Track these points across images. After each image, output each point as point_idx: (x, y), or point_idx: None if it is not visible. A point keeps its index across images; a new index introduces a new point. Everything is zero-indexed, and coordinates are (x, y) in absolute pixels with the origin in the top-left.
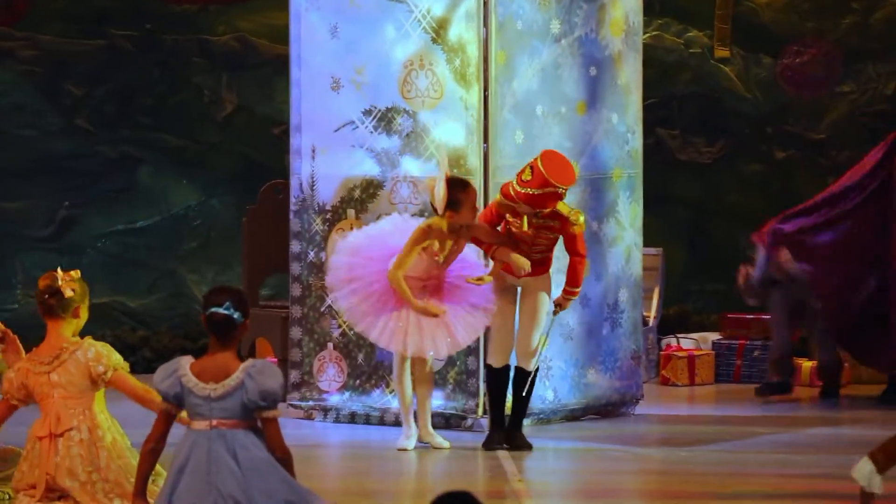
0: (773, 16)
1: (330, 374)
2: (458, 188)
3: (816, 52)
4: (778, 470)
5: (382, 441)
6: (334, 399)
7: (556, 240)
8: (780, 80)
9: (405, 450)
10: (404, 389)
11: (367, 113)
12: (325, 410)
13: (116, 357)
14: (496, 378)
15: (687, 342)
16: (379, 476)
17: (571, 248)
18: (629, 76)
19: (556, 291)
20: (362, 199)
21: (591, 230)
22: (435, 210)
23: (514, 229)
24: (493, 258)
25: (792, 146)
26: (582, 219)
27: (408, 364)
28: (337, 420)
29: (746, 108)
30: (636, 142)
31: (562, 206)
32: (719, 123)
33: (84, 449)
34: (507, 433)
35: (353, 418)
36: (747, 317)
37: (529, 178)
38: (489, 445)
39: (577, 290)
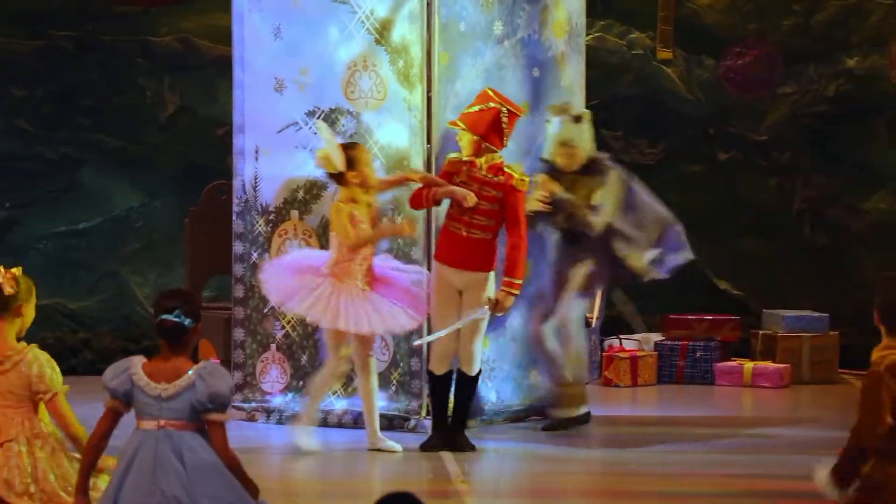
0: (715, 17)
1: (273, 375)
2: (348, 148)
3: (758, 53)
4: (720, 470)
5: (326, 443)
6: (277, 400)
7: (497, 210)
8: (722, 81)
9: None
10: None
11: (311, 114)
12: (268, 412)
13: (58, 379)
14: (438, 384)
15: (629, 343)
16: (322, 477)
17: (511, 218)
18: (572, 77)
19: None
20: (306, 200)
21: (535, 231)
22: (335, 179)
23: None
24: (434, 201)
25: (734, 147)
26: (528, 181)
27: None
28: (280, 421)
29: (689, 110)
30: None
31: (509, 167)
32: (662, 125)
33: (22, 460)
34: (448, 435)
35: (295, 420)
36: (689, 317)
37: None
38: (427, 446)
39: (518, 282)
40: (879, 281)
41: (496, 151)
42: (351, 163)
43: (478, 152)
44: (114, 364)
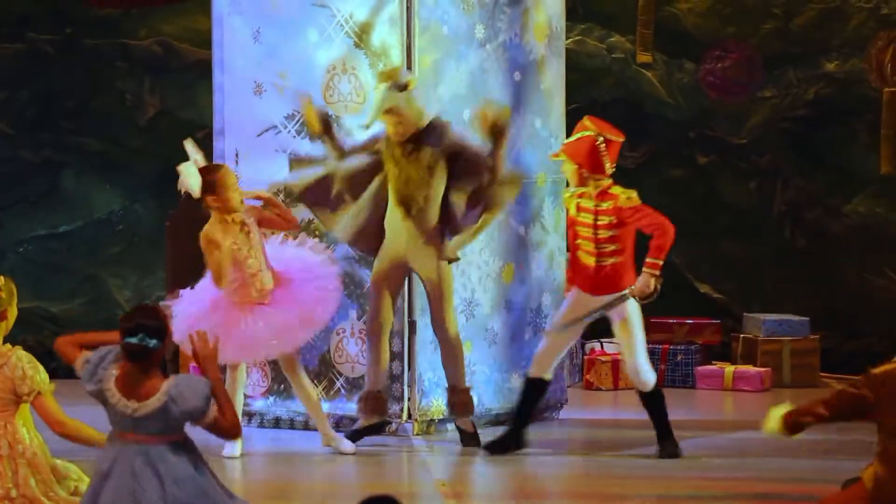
0: (695, 21)
1: (254, 379)
2: (209, 171)
3: (738, 57)
4: (702, 473)
5: (307, 445)
6: (258, 404)
7: (617, 235)
8: (702, 85)
9: (233, 457)
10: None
11: (290, 117)
12: (250, 415)
13: (42, 377)
14: (531, 387)
15: (611, 346)
16: (304, 480)
17: (636, 228)
18: (552, 81)
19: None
20: (286, 203)
21: (518, 234)
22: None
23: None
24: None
25: (714, 151)
26: (634, 197)
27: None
28: (261, 425)
29: (669, 114)
30: (559, 147)
31: (614, 189)
32: (642, 128)
33: (2, 464)
34: (521, 437)
35: (277, 423)
36: (670, 321)
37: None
38: (494, 446)
39: (656, 261)
40: None
41: (601, 178)
42: (211, 186)
43: (582, 181)
44: (93, 360)
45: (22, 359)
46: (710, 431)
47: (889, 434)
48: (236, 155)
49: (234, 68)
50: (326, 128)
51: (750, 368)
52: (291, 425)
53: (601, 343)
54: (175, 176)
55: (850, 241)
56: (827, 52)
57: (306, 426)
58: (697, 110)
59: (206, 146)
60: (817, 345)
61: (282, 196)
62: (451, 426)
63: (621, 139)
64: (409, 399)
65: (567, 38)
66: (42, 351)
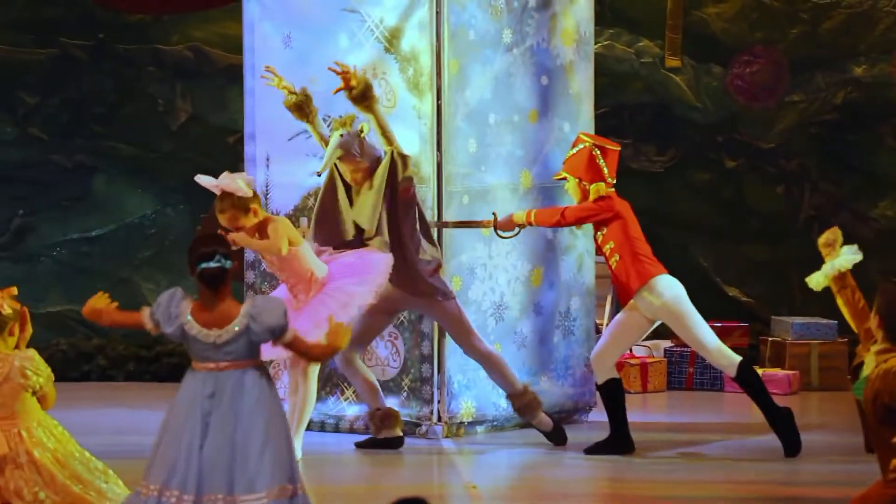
0: (723, 26)
1: (285, 381)
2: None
3: (765, 61)
4: (729, 475)
5: (338, 448)
6: (289, 406)
7: (607, 234)
8: (730, 89)
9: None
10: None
11: (321, 121)
12: None
13: (43, 375)
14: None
15: (639, 350)
16: (335, 482)
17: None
18: (581, 85)
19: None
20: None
21: (546, 238)
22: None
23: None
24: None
25: (741, 155)
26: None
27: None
28: None
29: (697, 117)
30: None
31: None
32: (670, 132)
33: (25, 472)
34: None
35: (308, 425)
36: None
37: None
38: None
39: (522, 216)
40: (881, 288)
41: (605, 187)
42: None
43: (585, 194)
44: (163, 301)
45: (25, 360)
46: (738, 434)
47: None
48: (267, 159)
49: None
50: (302, 111)
51: (778, 371)
52: (322, 427)
53: (630, 347)
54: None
55: (878, 245)
56: (854, 56)
57: (337, 429)
58: (725, 114)
59: (237, 151)
60: (845, 348)
61: (312, 199)
62: (480, 428)
63: (617, 148)
64: (438, 402)
65: (596, 43)
66: (75, 354)
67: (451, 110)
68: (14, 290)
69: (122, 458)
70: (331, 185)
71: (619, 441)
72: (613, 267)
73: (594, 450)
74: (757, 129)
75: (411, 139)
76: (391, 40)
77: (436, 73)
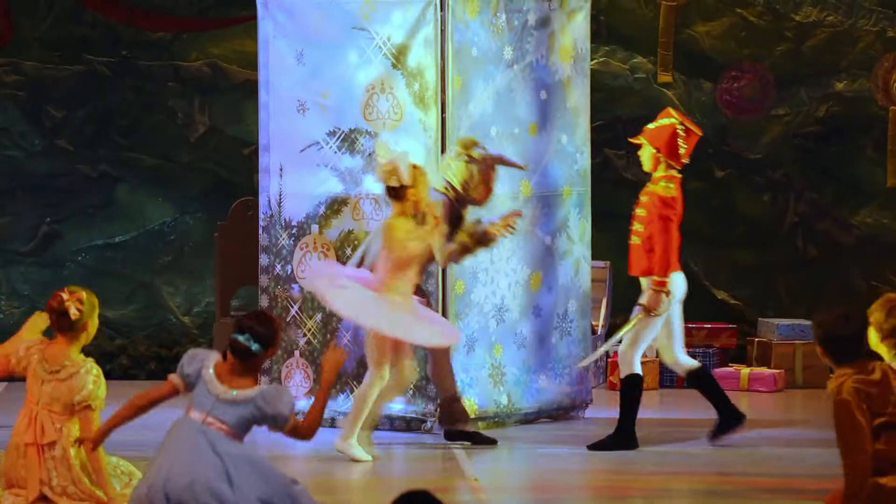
0: (713, 43)
1: (297, 379)
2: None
3: (753, 77)
4: (719, 468)
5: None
6: (301, 403)
7: (647, 218)
8: (719, 103)
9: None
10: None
11: (332, 134)
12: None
13: (99, 394)
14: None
15: None
16: (344, 476)
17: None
18: (578, 99)
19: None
20: (326, 215)
21: (545, 244)
22: (393, 193)
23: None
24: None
25: (730, 165)
26: (673, 186)
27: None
28: None
29: None
30: (585, 161)
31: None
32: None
33: (56, 464)
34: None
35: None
36: (689, 326)
37: None
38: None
39: (659, 279)
40: (816, 315)
41: (674, 168)
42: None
43: (656, 165)
44: (194, 350)
45: (91, 371)
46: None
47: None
48: (280, 169)
49: (279, 88)
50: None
51: (764, 370)
52: (332, 424)
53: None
54: (224, 189)
55: (858, 251)
56: (836, 72)
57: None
58: (715, 127)
59: (252, 161)
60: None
61: (323, 208)
62: (481, 424)
63: (700, 133)
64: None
65: (592, 60)
66: (99, 354)
67: (455, 123)
68: (82, 293)
69: (145, 453)
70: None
71: (623, 438)
72: (633, 242)
73: (598, 446)
74: (744, 141)
75: (417, 150)
76: (398, 57)
77: (440, 87)
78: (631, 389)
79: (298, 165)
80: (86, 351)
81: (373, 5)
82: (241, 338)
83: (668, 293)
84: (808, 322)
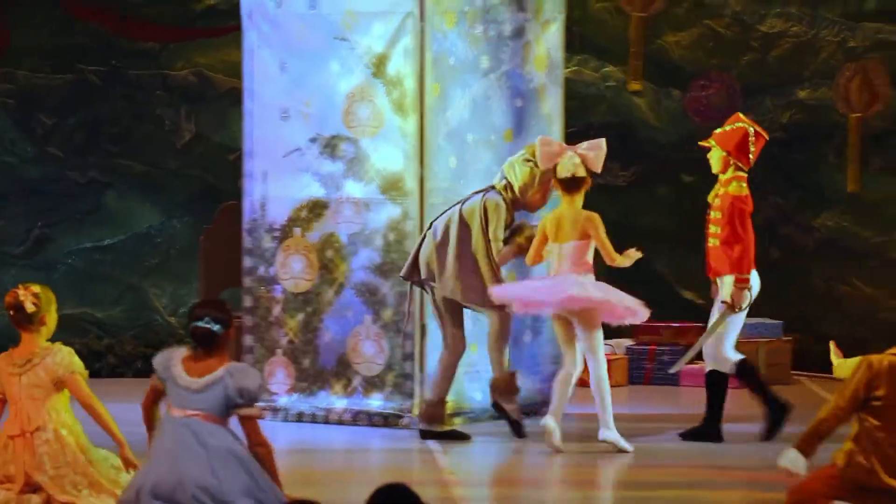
0: (682, 53)
1: (279, 377)
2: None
3: (720, 85)
4: (686, 461)
5: (326, 439)
6: (283, 400)
7: (723, 220)
8: (688, 110)
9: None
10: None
11: (314, 140)
12: (275, 410)
13: (78, 363)
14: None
15: (604, 347)
16: (324, 470)
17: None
18: (552, 107)
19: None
20: (308, 218)
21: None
22: (573, 185)
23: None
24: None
25: (698, 170)
26: (743, 185)
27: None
28: (286, 419)
29: (657, 137)
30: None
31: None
32: (633, 150)
33: (50, 447)
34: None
35: (300, 418)
36: (657, 324)
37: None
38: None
39: (742, 276)
40: None
41: (743, 169)
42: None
43: (725, 167)
44: (164, 350)
45: (62, 349)
46: (693, 424)
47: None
48: (264, 174)
49: (263, 96)
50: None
51: None
52: (313, 420)
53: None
54: (209, 194)
55: (820, 253)
56: (800, 81)
57: (326, 420)
58: (683, 134)
59: (237, 167)
60: (789, 346)
61: (305, 212)
62: (457, 419)
63: (767, 137)
64: (419, 396)
65: (566, 68)
66: (88, 353)
67: (433, 130)
68: (37, 287)
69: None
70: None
71: (712, 429)
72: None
73: (688, 435)
74: None
75: (396, 156)
76: (378, 66)
77: (419, 95)
78: (747, 375)
79: (281, 171)
80: (76, 351)
81: (354, 16)
82: (200, 323)
83: (749, 289)
84: (772, 321)
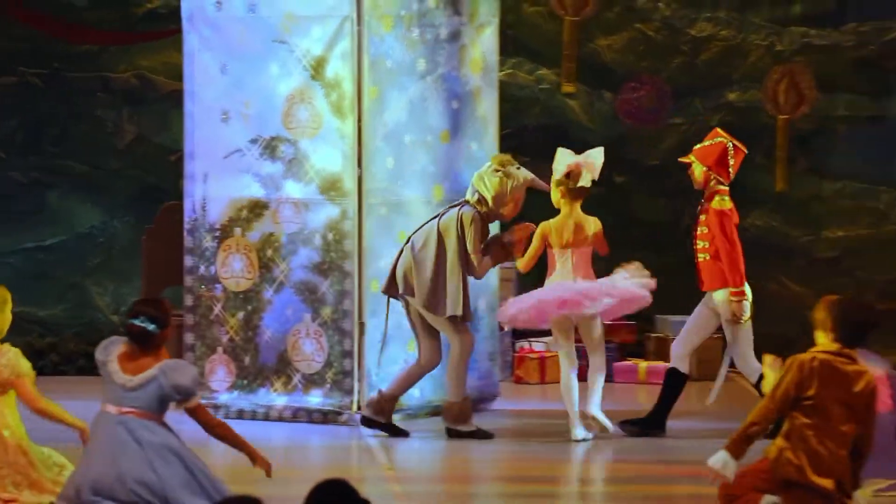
0: (613, 56)
1: (220, 375)
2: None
3: (650, 88)
4: (617, 456)
5: (266, 435)
6: (224, 397)
7: (709, 234)
8: (619, 113)
9: (585, 440)
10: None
11: (254, 141)
12: (216, 407)
13: (25, 365)
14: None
15: (538, 345)
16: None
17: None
18: (487, 109)
19: None
20: (248, 218)
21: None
22: (576, 195)
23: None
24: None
25: (629, 171)
26: (725, 199)
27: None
28: (227, 416)
29: (590, 138)
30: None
31: (721, 196)
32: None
33: None
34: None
35: (240, 415)
36: None
37: None
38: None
39: (735, 289)
40: (833, 300)
41: (723, 183)
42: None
43: (706, 183)
44: (105, 341)
45: (8, 351)
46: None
47: (813, 412)
48: (205, 175)
49: (204, 98)
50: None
51: (661, 364)
52: (253, 416)
53: (530, 342)
54: (150, 194)
55: (749, 252)
56: (729, 84)
57: (266, 417)
58: (615, 135)
59: (178, 168)
60: (719, 343)
61: (245, 212)
62: (395, 416)
63: (745, 151)
64: (358, 393)
65: (500, 71)
66: (30, 351)
67: (370, 131)
68: None
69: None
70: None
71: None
72: (699, 260)
73: (632, 423)
74: (643, 149)
75: (335, 157)
76: (317, 68)
77: (357, 98)
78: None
79: (222, 171)
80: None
81: (293, 20)
82: (136, 321)
83: (747, 299)
84: None
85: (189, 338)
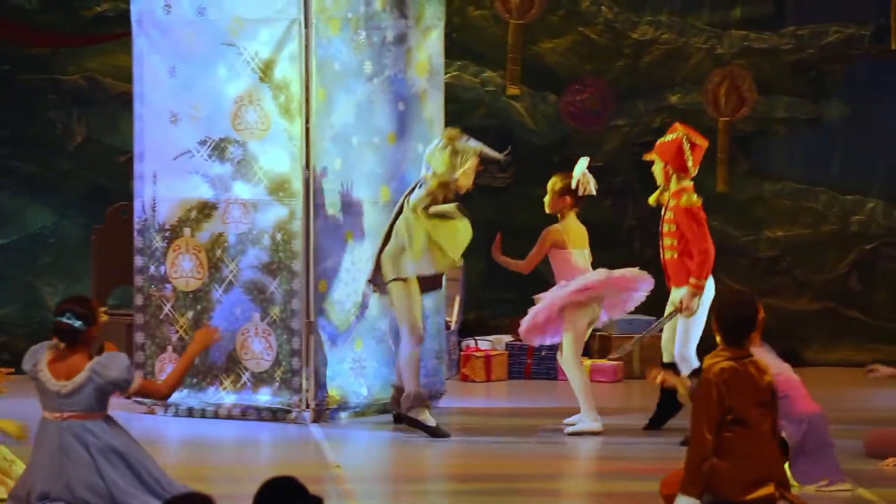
0: (557, 59)
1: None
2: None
3: (593, 90)
4: (562, 453)
5: (216, 433)
6: (173, 396)
7: (677, 232)
8: (563, 114)
9: (600, 432)
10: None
11: (203, 143)
12: (166, 406)
13: None
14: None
15: (484, 343)
16: (213, 464)
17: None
18: (433, 111)
19: None
20: (198, 219)
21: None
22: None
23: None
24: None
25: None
26: (694, 198)
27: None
28: (176, 414)
29: (534, 139)
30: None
31: (687, 193)
32: (511, 152)
33: None
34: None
35: (190, 413)
36: None
37: None
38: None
39: (697, 282)
40: (727, 296)
41: (685, 178)
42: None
43: (667, 180)
44: (29, 351)
45: None
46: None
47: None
48: (154, 176)
49: (153, 100)
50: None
51: (605, 362)
52: (203, 414)
53: (476, 340)
54: (100, 195)
55: None
56: (671, 86)
57: (216, 415)
58: (559, 136)
59: (128, 169)
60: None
61: (194, 212)
62: (343, 414)
63: (705, 144)
64: (306, 391)
65: (446, 74)
66: None
67: (318, 133)
68: None
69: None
70: None
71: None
72: (667, 257)
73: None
74: (586, 150)
75: (283, 158)
76: (265, 70)
77: (305, 99)
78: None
79: (171, 172)
80: None
81: (241, 23)
82: (63, 318)
83: (701, 294)
84: (645, 317)
85: (139, 337)
